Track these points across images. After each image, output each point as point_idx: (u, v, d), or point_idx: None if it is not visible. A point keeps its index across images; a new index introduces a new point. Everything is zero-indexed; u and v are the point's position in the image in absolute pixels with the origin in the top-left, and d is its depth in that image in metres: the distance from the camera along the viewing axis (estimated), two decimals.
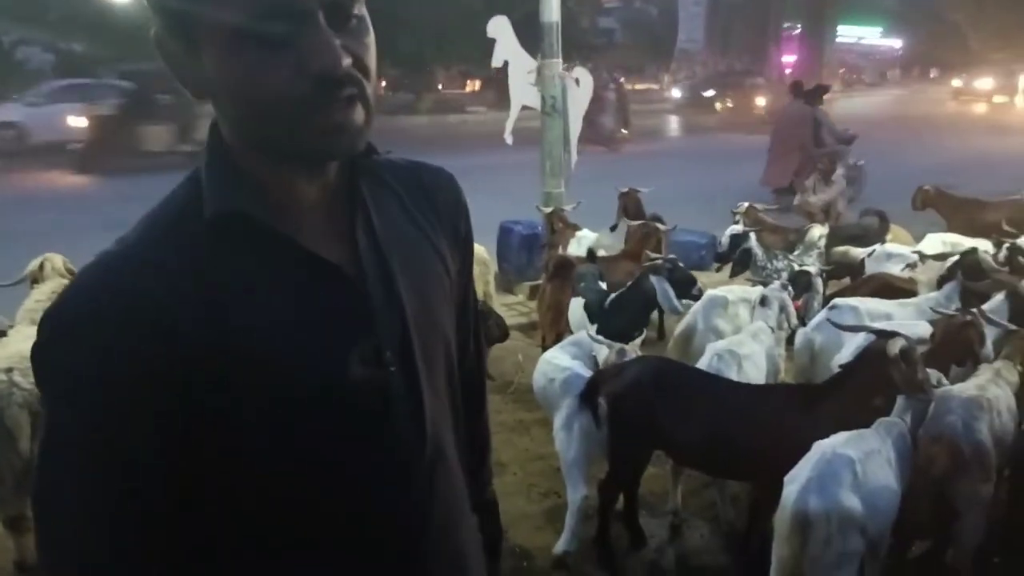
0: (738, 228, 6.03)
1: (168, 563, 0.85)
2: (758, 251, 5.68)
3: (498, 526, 1.28)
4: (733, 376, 3.40)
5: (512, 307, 6.68)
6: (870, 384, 2.86)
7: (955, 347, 3.29)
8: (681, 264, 4.41)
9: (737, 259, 5.83)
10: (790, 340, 4.17)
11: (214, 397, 0.85)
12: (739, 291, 4.44)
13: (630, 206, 6.68)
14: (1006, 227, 5.65)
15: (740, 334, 3.85)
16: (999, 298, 3.70)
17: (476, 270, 5.26)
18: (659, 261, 4.26)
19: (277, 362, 0.87)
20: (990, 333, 3.39)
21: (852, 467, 2.50)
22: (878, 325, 3.28)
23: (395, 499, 0.96)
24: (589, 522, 3.39)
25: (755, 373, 3.55)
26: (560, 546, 3.29)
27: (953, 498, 2.73)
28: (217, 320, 0.85)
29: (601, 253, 5.53)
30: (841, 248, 5.74)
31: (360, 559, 0.95)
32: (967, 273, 4.17)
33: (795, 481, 2.52)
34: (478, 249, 5.51)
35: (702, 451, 3.09)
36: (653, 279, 4.15)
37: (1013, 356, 3.21)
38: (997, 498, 3.09)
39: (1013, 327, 3.40)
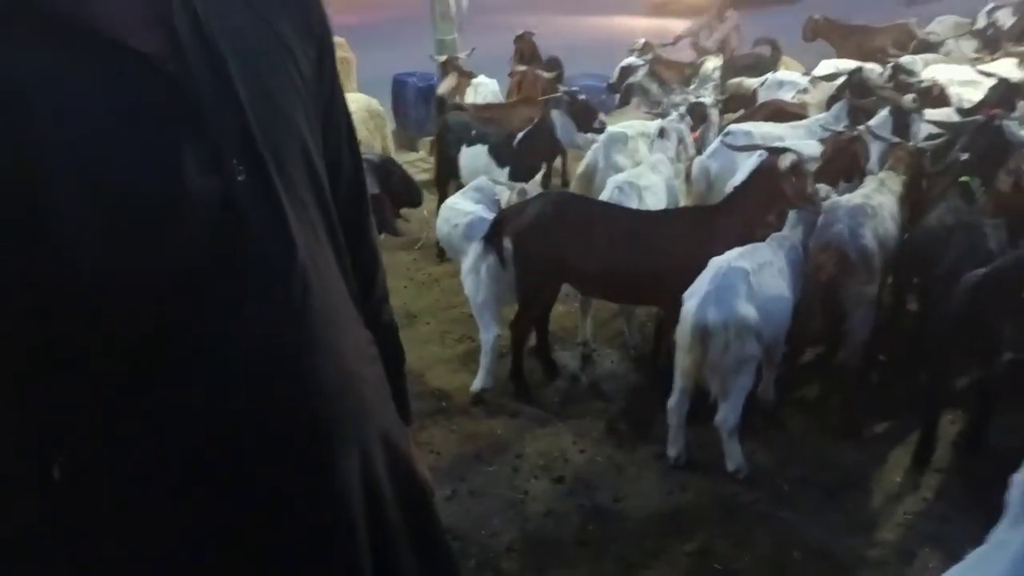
0: (630, 60, 5.98)
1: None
2: (651, 85, 5.65)
3: (398, 347, 1.19)
4: (634, 207, 3.45)
5: (414, 164, 6.52)
6: (763, 200, 2.95)
7: (843, 162, 3.41)
8: (582, 97, 4.35)
9: (623, 90, 5.81)
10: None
11: (25, 209, 0.74)
12: (638, 125, 4.43)
13: (525, 51, 6.48)
14: (891, 50, 5.80)
15: (640, 166, 3.87)
16: (883, 114, 3.82)
17: (371, 123, 5.09)
18: (558, 94, 4.19)
19: (92, 168, 0.76)
20: (877, 148, 3.52)
21: (747, 279, 2.62)
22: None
23: (264, 316, 0.88)
24: (504, 361, 3.48)
25: (655, 203, 3.61)
26: (476, 384, 3.38)
27: (842, 299, 2.91)
28: (17, 123, 0.73)
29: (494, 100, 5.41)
30: (735, 80, 5.79)
31: (234, 382, 0.87)
32: (854, 92, 4.27)
33: (694, 295, 2.63)
34: (369, 100, 5.29)
35: (607, 279, 3.16)
36: (553, 113, 4.09)
37: (896, 167, 3.35)
38: (882, 301, 3.33)
39: (896, 140, 3.54)
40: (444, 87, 5.76)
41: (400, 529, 1.01)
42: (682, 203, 4.05)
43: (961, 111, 3.99)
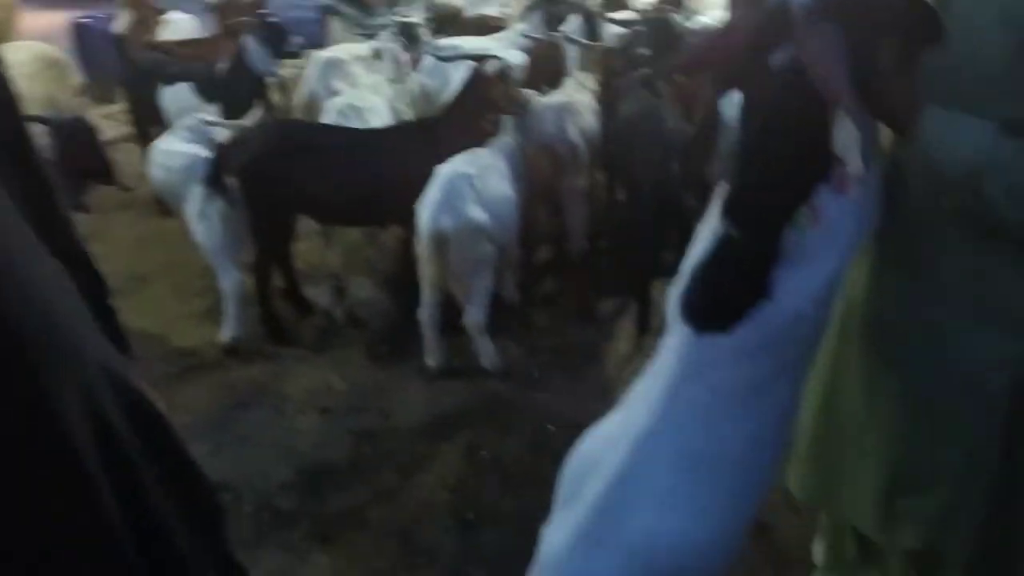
0: None
1: None
2: (348, 9, 5.55)
3: (94, 276, 1.11)
4: None
5: (113, 117, 5.89)
6: (476, 107, 3.08)
7: (546, 67, 3.64)
8: (275, 19, 4.16)
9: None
10: None
11: None
12: (352, 49, 4.36)
13: None
14: None
15: (359, 90, 3.84)
16: (574, 19, 4.10)
17: (47, 74, 4.49)
18: (244, 19, 3.98)
19: None
20: (573, 51, 3.79)
21: (472, 183, 2.75)
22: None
23: None
24: (253, 306, 3.37)
25: (381, 125, 3.62)
26: (225, 333, 3.25)
27: (559, 193, 3.16)
28: None
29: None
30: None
31: None
32: (548, 1, 4.53)
33: (427, 206, 2.71)
34: (43, 48, 4.66)
35: (343, 204, 3.14)
36: (243, 40, 3.88)
37: (590, 68, 3.64)
38: (596, 194, 3.67)
39: (588, 43, 3.83)
40: (121, 24, 5.18)
41: (140, 464, 0.97)
42: None
43: (639, 11, 4.40)
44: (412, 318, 3.10)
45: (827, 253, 1.11)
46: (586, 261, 3.58)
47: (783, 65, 1.03)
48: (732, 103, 3.41)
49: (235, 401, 3.01)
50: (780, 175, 1.08)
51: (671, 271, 3.71)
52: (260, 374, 3.17)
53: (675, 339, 1.18)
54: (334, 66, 4.19)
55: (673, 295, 1.22)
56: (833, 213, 1.07)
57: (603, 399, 2.94)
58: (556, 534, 1.21)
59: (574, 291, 3.54)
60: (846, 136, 1.00)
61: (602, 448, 1.21)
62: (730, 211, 1.12)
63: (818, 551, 1.89)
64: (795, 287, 1.10)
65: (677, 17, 3.61)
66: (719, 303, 1.14)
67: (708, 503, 1.15)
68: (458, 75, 3.73)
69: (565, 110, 3.19)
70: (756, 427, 1.17)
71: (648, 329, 3.32)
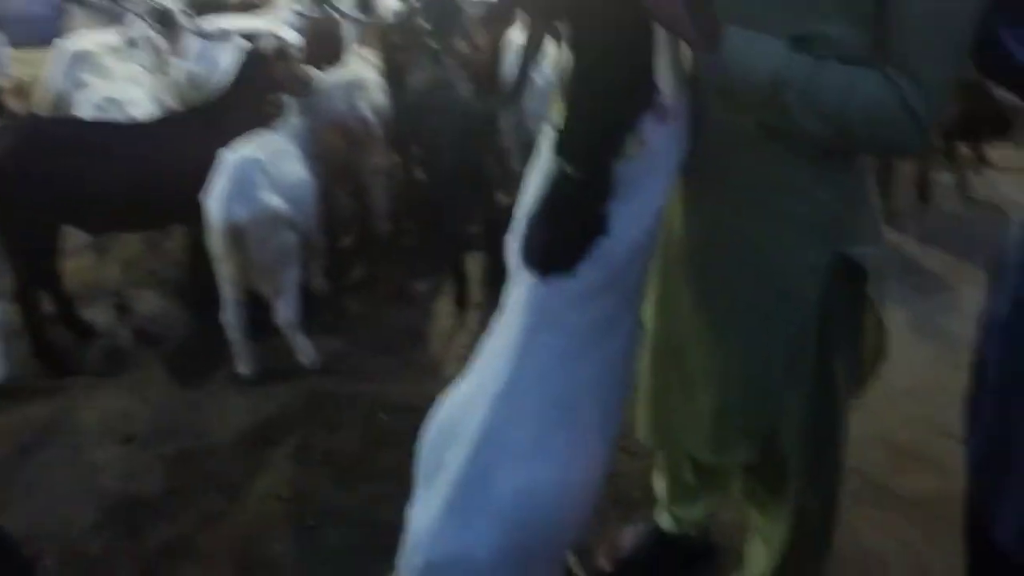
0: None
1: None
2: None
3: None
4: None
5: None
6: (257, 88, 2.87)
7: (325, 45, 3.47)
8: None
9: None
10: None
11: None
12: (101, 39, 3.90)
13: None
14: None
15: (116, 83, 3.45)
16: None
17: None
18: None
19: None
20: (351, 27, 3.65)
21: (263, 168, 2.55)
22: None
23: None
24: (24, 339, 2.94)
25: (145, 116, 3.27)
26: None
27: (359, 173, 3.04)
28: None
29: None
30: None
31: None
32: None
33: (215, 198, 2.49)
34: None
35: (115, 207, 2.80)
36: None
37: (370, 43, 3.52)
38: (392, 170, 3.57)
39: (366, 19, 3.70)
40: None
41: None
42: None
43: None
44: (213, 325, 2.86)
45: (654, 181, 1.13)
46: (394, 242, 3.49)
47: None
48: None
49: (16, 447, 2.62)
50: (608, 106, 1.08)
51: (480, 244, 3.76)
52: (43, 412, 2.78)
53: (521, 290, 1.15)
54: (83, 59, 3.72)
55: (512, 245, 1.19)
56: (657, 141, 1.09)
57: (434, 379, 2.91)
58: (422, 512, 1.15)
59: (386, 275, 3.44)
60: (670, 61, 1.01)
61: (458, 415, 1.16)
62: (561, 148, 1.10)
63: (659, 486, 1.96)
64: (629, 219, 1.11)
65: None
66: (560, 245, 1.13)
67: (574, 447, 1.14)
68: (229, 59, 3.47)
69: (353, 86, 3.06)
70: (609, 364, 1.18)
71: (467, 304, 3.30)
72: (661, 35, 1.08)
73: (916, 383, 2.62)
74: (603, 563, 1.95)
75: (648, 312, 1.44)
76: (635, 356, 1.29)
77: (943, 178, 4.31)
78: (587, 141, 1.09)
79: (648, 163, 1.10)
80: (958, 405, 2.65)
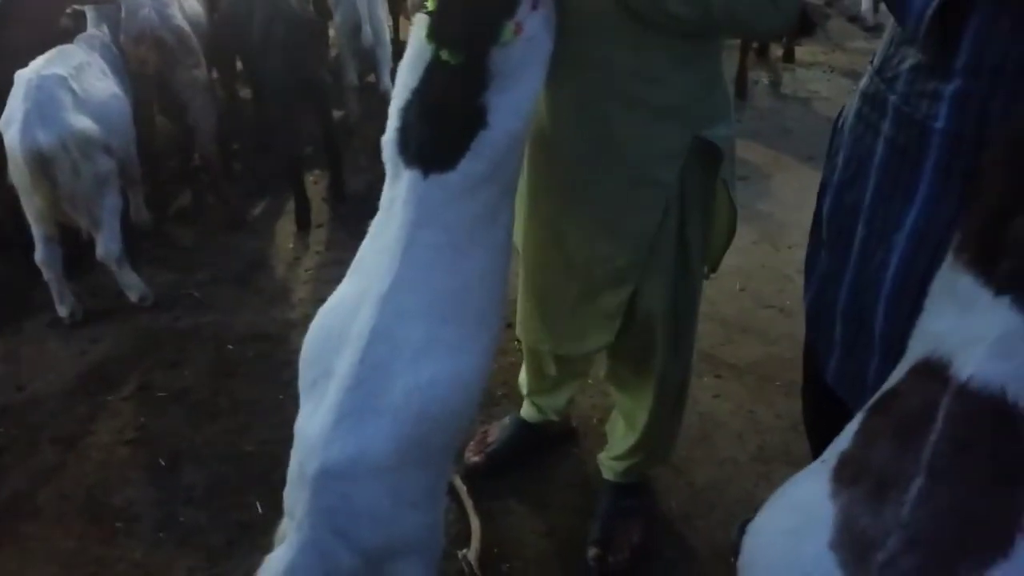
0: None
1: None
2: None
3: None
4: None
5: None
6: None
7: None
8: None
9: None
10: None
11: None
12: None
13: None
14: None
15: None
16: None
17: None
18: None
19: None
20: None
21: (67, 85, 2.28)
22: None
23: None
24: None
25: None
26: None
27: (176, 90, 2.78)
28: None
29: None
30: None
31: None
32: None
33: (12, 122, 2.20)
34: None
35: None
36: None
37: None
38: (213, 87, 3.30)
39: None
40: None
41: None
42: None
43: None
44: (23, 266, 2.57)
45: (531, 69, 1.13)
46: (223, 165, 3.26)
47: None
48: None
49: None
50: None
51: (317, 162, 3.60)
52: None
53: (399, 187, 1.12)
54: None
55: (388, 141, 1.14)
56: (532, 27, 1.08)
57: (280, 304, 2.80)
58: (311, 420, 1.11)
59: (217, 198, 3.22)
60: None
61: (342, 319, 1.12)
62: (436, 33, 1.06)
63: (522, 380, 2.02)
64: (508, 109, 1.11)
65: None
66: (439, 140, 1.11)
67: (463, 340, 1.14)
68: None
69: None
70: (490, 255, 1.20)
71: (309, 224, 3.17)
72: None
73: (739, 262, 2.82)
74: (473, 459, 2.01)
75: (518, 202, 1.44)
76: (510, 246, 1.30)
77: (758, 76, 4.58)
78: (463, 24, 1.06)
79: (524, 51, 1.10)
80: (777, 280, 2.91)
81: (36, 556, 1.88)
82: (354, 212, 3.25)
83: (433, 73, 1.10)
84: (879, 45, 1.21)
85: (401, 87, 1.15)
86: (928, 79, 1.04)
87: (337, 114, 3.59)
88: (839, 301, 1.25)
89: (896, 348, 0.99)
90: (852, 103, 1.24)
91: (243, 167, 3.60)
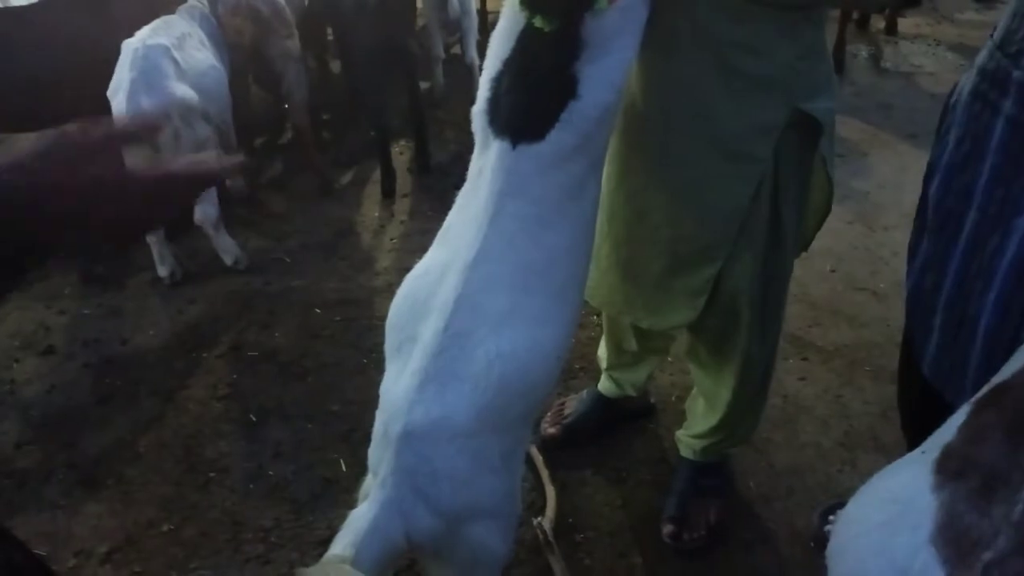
0: None
1: None
2: None
3: None
4: None
5: None
6: None
7: None
8: None
9: None
10: None
11: None
12: None
13: None
14: None
15: None
16: None
17: None
18: None
19: None
20: None
21: (170, 55, 2.37)
22: None
23: None
24: None
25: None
26: None
27: (271, 61, 2.86)
28: None
29: None
30: None
31: None
32: None
33: (120, 89, 2.31)
34: None
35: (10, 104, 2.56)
36: None
37: None
38: (307, 60, 3.38)
39: None
40: None
41: None
42: None
43: None
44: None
45: (624, 39, 1.11)
46: (313, 134, 3.34)
47: None
48: None
49: None
50: None
51: (403, 133, 3.64)
52: None
53: (488, 156, 1.12)
54: None
55: (477, 112, 1.15)
56: None
57: (366, 271, 2.87)
58: (396, 383, 1.14)
59: (308, 167, 3.30)
60: None
61: (428, 287, 1.14)
62: (531, 0, 1.05)
63: (601, 354, 2.01)
64: (600, 80, 1.09)
65: None
66: (530, 110, 1.10)
67: (545, 311, 1.15)
68: None
69: None
70: (576, 228, 1.19)
71: (394, 193, 3.23)
72: None
73: (831, 243, 2.73)
74: (550, 431, 2.02)
75: (606, 176, 1.42)
76: (595, 218, 1.29)
77: (857, 49, 4.38)
78: None
79: (618, 20, 1.08)
80: (870, 263, 2.80)
81: (136, 499, 2.00)
82: (438, 183, 3.30)
83: (525, 42, 1.09)
84: (998, 17, 1.13)
85: (493, 57, 1.15)
86: None
87: (423, 85, 3.63)
88: (943, 289, 1.18)
89: (1004, 342, 0.93)
90: (968, 79, 1.16)
91: (332, 137, 3.68)
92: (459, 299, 1.09)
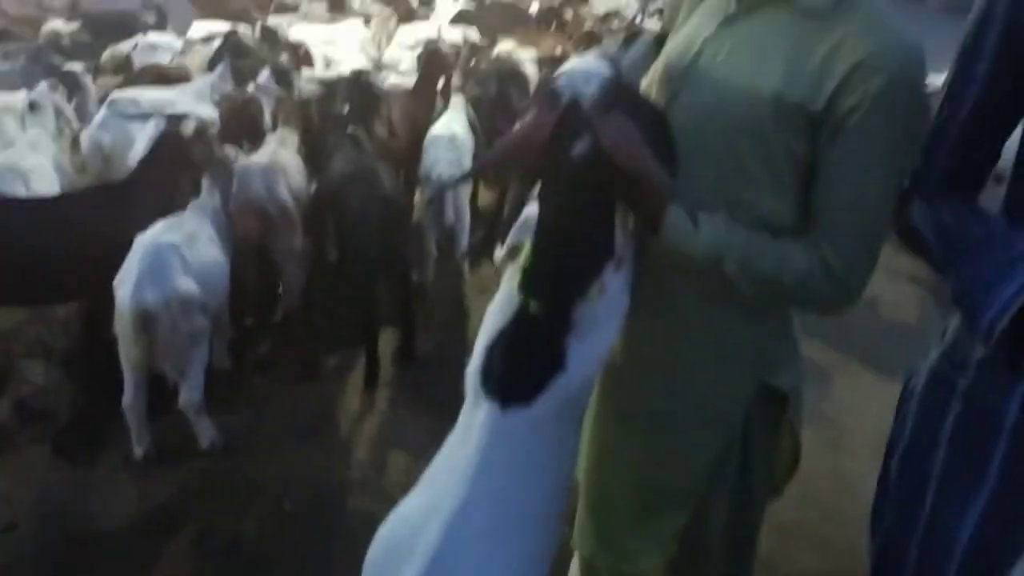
0: None
1: None
2: None
3: None
4: (23, 195, 2.98)
5: None
6: (174, 168, 2.85)
7: (242, 122, 3.48)
8: None
9: None
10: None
11: None
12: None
13: None
14: (253, 11, 6.03)
15: (14, 148, 3.32)
16: (265, 73, 3.98)
17: None
18: None
19: None
20: (268, 105, 3.68)
21: (179, 252, 2.52)
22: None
23: None
24: None
25: (46, 187, 3.17)
26: None
27: (273, 255, 3.03)
28: None
29: None
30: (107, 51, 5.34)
31: None
32: (233, 53, 4.35)
33: (126, 280, 2.43)
34: None
35: (14, 282, 2.68)
36: None
37: (288, 122, 3.56)
38: (306, 250, 3.57)
39: (282, 93, 3.74)
40: None
41: None
42: (76, 183, 3.64)
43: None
44: (103, 401, 2.74)
45: (610, 322, 1.23)
46: (302, 319, 3.46)
47: (583, 154, 1.12)
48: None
49: None
50: (577, 253, 1.17)
51: (390, 322, 3.76)
52: None
53: (478, 415, 1.20)
54: None
55: (471, 371, 1.25)
56: (614, 287, 1.19)
57: (342, 461, 2.88)
58: None
59: (295, 352, 3.40)
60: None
61: (409, 533, 1.18)
62: (528, 287, 1.18)
63: None
64: (585, 356, 1.19)
65: (375, 78, 3.67)
66: (520, 378, 1.19)
67: (523, 562, 1.19)
68: (140, 129, 3.43)
69: (272, 169, 3.07)
70: (555, 481, 1.25)
71: (376, 382, 3.30)
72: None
73: (801, 466, 2.80)
74: None
75: (584, 423, 1.51)
76: (573, 471, 1.37)
77: None
78: (554, 283, 1.17)
79: (605, 307, 1.20)
80: (840, 487, 2.86)
81: None
82: (420, 374, 3.38)
83: (520, 319, 1.20)
84: (949, 323, 1.27)
85: (489, 324, 1.26)
86: (999, 374, 1.10)
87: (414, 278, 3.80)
88: (908, 559, 1.27)
89: None
90: (921, 374, 1.29)
91: (321, 322, 3.80)
92: (437, 549, 1.12)
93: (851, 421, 3.19)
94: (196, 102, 3.78)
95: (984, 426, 1.12)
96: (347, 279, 3.53)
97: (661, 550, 1.51)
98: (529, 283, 1.17)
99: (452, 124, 3.88)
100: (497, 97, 4.34)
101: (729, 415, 1.40)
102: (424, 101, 4.14)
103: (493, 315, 1.26)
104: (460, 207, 3.62)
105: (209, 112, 3.46)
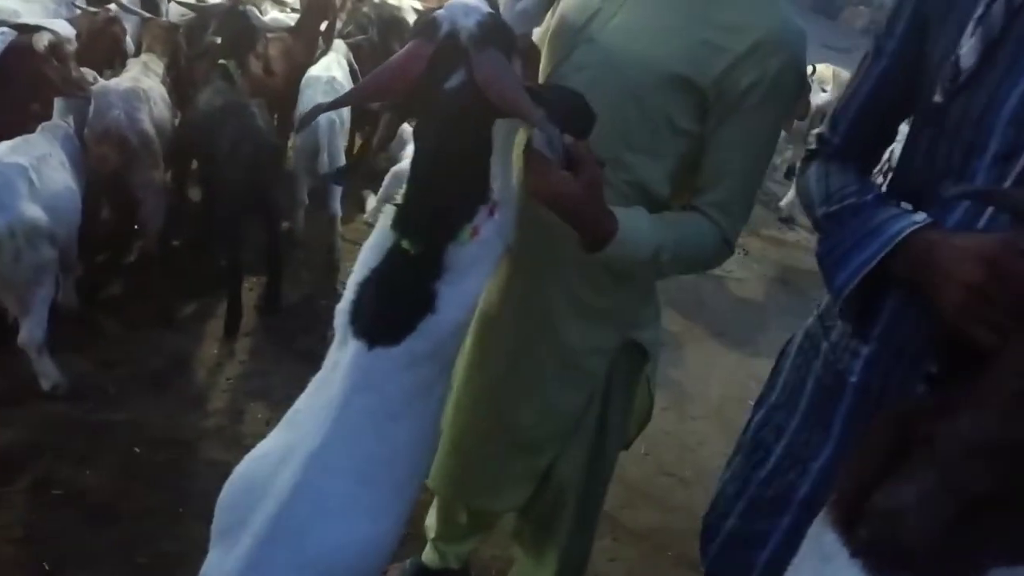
0: None
1: None
2: None
3: None
4: None
5: None
6: (23, 86, 2.60)
7: (102, 44, 3.22)
8: None
9: None
10: None
11: None
12: None
13: None
14: None
15: None
16: None
17: None
18: None
19: None
20: (132, 26, 3.42)
21: (26, 175, 2.33)
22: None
23: None
24: None
25: None
26: None
27: (131, 189, 2.85)
28: None
29: None
30: None
31: None
32: None
33: None
34: None
35: None
36: None
37: (154, 47, 3.33)
38: (168, 187, 3.37)
39: (147, 15, 3.49)
40: None
41: None
42: None
43: None
44: None
45: (480, 268, 1.24)
46: (160, 260, 3.28)
47: (457, 87, 1.12)
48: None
49: None
50: (449, 191, 1.17)
51: (255, 270, 3.64)
52: None
53: (345, 352, 1.20)
54: None
55: (341, 308, 1.24)
56: (486, 232, 1.21)
57: (197, 410, 2.78)
58: (219, 568, 1.14)
59: (149, 294, 3.22)
60: (538, 140, 1.13)
61: (267, 470, 1.17)
62: (401, 224, 1.18)
63: (431, 525, 2.07)
64: (455, 299, 1.21)
65: (254, 10, 3.47)
66: (389, 317, 1.19)
67: (384, 503, 1.20)
68: None
69: (135, 95, 2.86)
70: (420, 425, 1.26)
71: (237, 330, 3.19)
72: (497, 134, 1.21)
73: (647, 427, 2.99)
74: None
75: (457, 369, 1.55)
76: (440, 417, 1.39)
77: None
78: (426, 221, 1.17)
79: (477, 251, 1.21)
80: (680, 450, 3.07)
81: None
82: (284, 325, 3.30)
83: (392, 258, 1.20)
84: (796, 236, 1.41)
85: (362, 264, 1.25)
86: (852, 336, 1.20)
87: (283, 225, 3.69)
88: (741, 498, 1.37)
89: (786, 561, 1.10)
90: (798, 334, 1.39)
91: (179, 265, 3.62)
92: (297, 486, 1.12)
93: (696, 387, 3.42)
94: (45, 15, 3.45)
95: (834, 387, 1.22)
96: (211, 222, 3.38)
97: (518, 494, 1.60)
98: (402, 221, 1.18)
99: (332, 67, 3.77)
100: (380, 43, 4.24)
101: (595, 366, 1.49)
102: (305, 41, 3.98)
103: (367, 253, 1.26)
104: (335, 156, 3.53)
105: (65, 29, 3.16)
